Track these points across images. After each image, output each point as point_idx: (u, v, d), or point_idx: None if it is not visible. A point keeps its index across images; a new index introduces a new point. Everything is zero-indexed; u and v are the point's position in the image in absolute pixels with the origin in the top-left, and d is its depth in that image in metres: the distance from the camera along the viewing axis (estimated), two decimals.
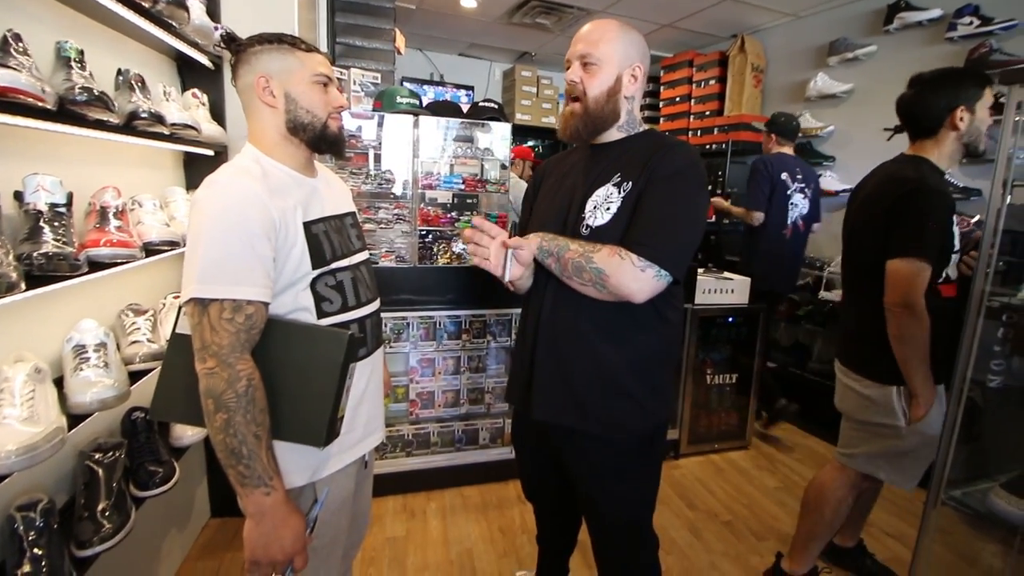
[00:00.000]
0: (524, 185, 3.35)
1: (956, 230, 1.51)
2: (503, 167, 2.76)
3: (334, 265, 1.05)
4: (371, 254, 1.27)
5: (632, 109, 1.21)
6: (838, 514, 1.73)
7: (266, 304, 0.93)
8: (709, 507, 2.39)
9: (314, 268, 1.00)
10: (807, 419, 3.24)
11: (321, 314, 1.02)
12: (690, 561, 2.02)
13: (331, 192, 1.14)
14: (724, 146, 3.81)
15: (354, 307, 1.08)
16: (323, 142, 1.06)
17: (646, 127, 1.25)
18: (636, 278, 1.06)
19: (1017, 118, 1.28)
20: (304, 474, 1.04)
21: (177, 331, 1.02)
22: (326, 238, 1.04)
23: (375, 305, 1.17)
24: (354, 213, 1.22)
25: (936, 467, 1.39)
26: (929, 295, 1.44)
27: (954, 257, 1.54)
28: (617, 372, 1.17)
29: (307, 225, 1.00)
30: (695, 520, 2.28)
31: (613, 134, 1.21)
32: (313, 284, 1.01)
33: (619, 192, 1.14)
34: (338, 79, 1.19)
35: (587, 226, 1.16)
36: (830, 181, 3.34)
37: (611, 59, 1.14)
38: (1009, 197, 1.31)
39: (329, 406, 0.95)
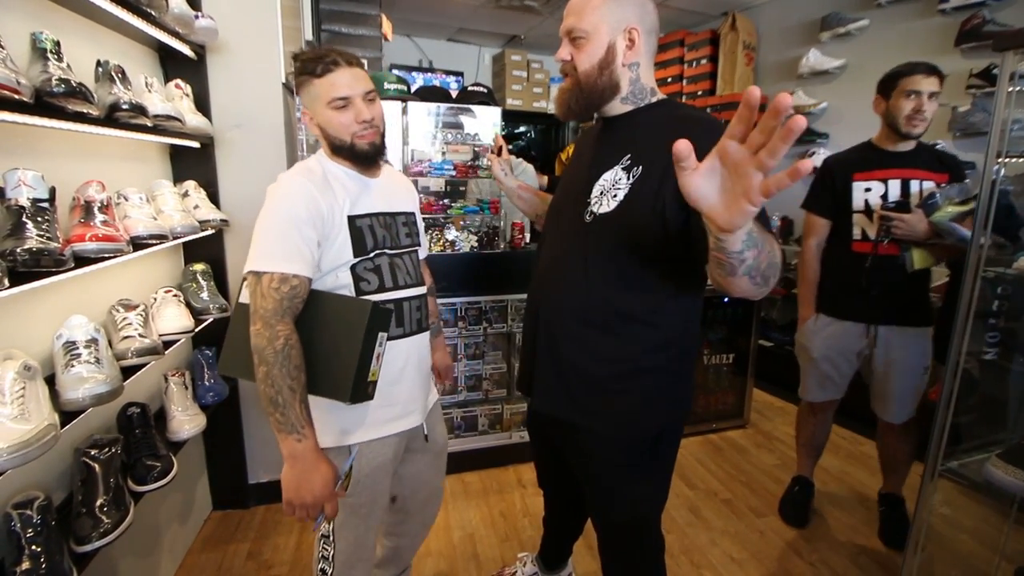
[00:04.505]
0: (531, 168, 3.31)
1: (858, 194, 1.84)
2: (501, 147, 2.73)
3: (374, 253, 1.19)
4: None
5: (637, 77, 1.08)
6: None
7: (309, 279, 1.09)
8: (708, 486, 2.41)
9: (355, 256, 1.15)
10: None
11: (359, 292, 1.17)
12: (690, 539, 2.04)
13: (388, 192, 1.28)
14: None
15: (391, 288, 1.21)
16: (356, 159, 1.18)
17: (661, 96, 1.12)
18: None
19: (1010, 88, 1.27)
20: (332, 436, 1.17)
21: (240, 301, 1.19)
22: (370, 231, 1.18)
23: (416, 291, 1.28)
24: (411, 213, 1.35)
25: (933, 438, 1.40)
26: (841, 247, 1.90)
27: (856, 217, 1.85)
28: (615, 370, 1.11)
29: (352, 218, 1.16)
30: (695, 499, 2.31)
31: (618, 107, 1.11)
32: (353, 267, 1.16)
33: (628, 177, 1.04)
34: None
35: (591, 213, 1.08)
36: (823, 158, 3.32)
37: (599, 28, 1.03)
38: (1003, 169, 1.30)
39: (354, 365, 1.06)
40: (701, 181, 0.66)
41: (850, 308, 1.90)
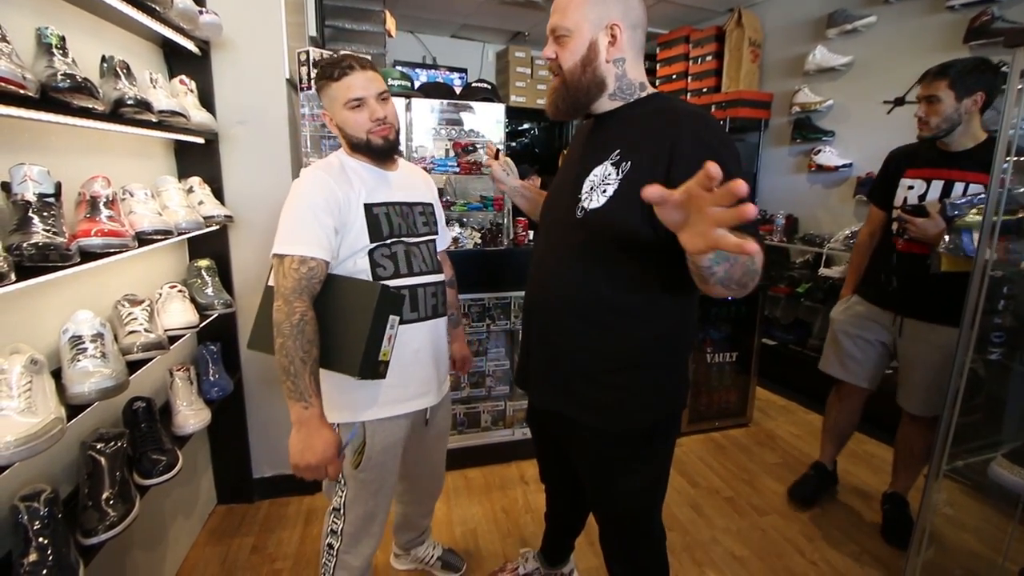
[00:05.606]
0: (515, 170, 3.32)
1: (900, 191, 1.90)
2: (498, 150, 2.73)
3: (391, 240, 1.27)
4: None
5: (623, 73, 1.08)
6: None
7: (326, 262, 1.19)
8: (711, 484, 2.41)
9: (371, 241, 1.25)
10: (808, 396, 3.26)
11: (376, 277, 1.25)
12: (692, 537, 2.04)
13: (406, 183, 1.38)
14: (722, 123, 3.77)
15: (406, 275, 1.30)
16: (372, 154, 1.29)
17: (651, 90, 1.11)
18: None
19: (1020, 85, 1.25)
20: (347, 412, 1.28)
21: (268, 284, 1.28)
22: (386, 219, 1.28)
23: (432, 278, 1.36)
24: (429, 204, 1.44)
25: (938, 438, 1.40)
26: (885, 239, 1.98)
27: (895, 212, 1.92)
28: (607, 364, 1.12)
29: (368, 207, 1.25)
30: (697, 496, 2.31)
31: (607, 103, 1.10)
32: (371, 253, 1.25)
33: (617, 172, 1.04)
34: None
35: (582, 208, 1.07)
36: (829, 156, 3.31)
37: (580, 26, 1.03)
38: (1010, 168, 1.29)
39: (363, 342, 1.15)
40: (671, 211, 0.73)
41: (878, 295, 2.00)
